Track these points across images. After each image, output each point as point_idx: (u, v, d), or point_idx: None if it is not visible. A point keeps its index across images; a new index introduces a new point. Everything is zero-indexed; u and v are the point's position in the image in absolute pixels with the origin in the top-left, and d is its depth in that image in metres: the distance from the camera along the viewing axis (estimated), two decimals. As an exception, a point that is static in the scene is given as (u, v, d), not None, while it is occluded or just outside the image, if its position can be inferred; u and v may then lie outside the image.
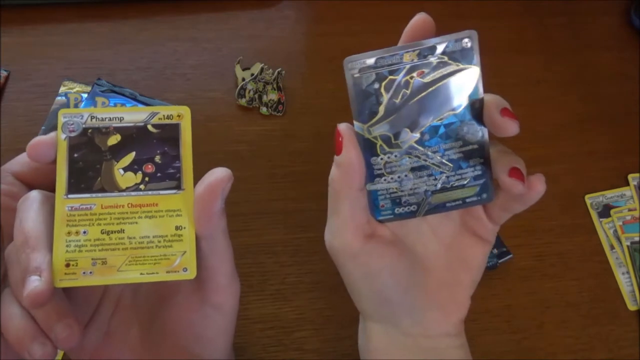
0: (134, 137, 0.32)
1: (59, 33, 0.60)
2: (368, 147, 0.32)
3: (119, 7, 0.62)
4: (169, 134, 0.32)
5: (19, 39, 0.59)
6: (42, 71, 0.57)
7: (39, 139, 0.31)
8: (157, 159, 0.32)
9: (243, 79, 0.59)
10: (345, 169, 0.32)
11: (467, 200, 0.33)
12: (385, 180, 0.33)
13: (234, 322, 0.35)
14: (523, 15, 0.67)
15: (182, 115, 0.32)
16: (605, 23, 0.68)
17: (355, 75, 0.30)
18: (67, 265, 0.30)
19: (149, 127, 0.32)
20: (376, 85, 0.31)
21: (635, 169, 0.59)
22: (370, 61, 0.30)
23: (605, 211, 0.56)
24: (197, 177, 0.32)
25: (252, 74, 0.59)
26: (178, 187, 0.32)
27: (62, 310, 0.29)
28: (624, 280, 0.54)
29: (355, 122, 0.32)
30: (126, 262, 0.30)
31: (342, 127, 0.32)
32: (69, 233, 0.30)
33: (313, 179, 0.55)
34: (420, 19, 0.32)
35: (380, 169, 0.32)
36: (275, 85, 0.59)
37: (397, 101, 0.31)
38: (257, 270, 0.51)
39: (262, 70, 0.59)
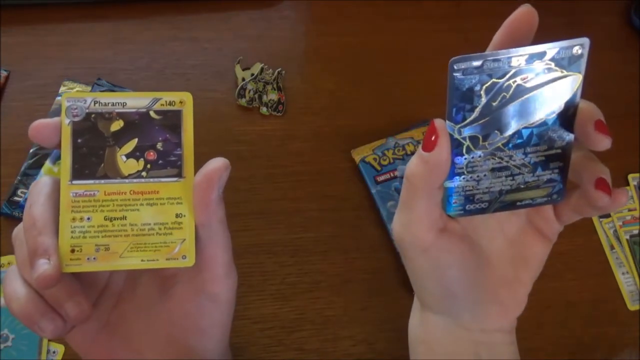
0: (136, 123, 0.32)
1: (59, 33, 0.60)
2: (454, 147, 0.31)
3: (119, 7, 0.62)
4: (171, 120, 0.32)
5: (19, 39, 0.59)
6: (42, 71, 0.57)
7: (43, 121, 0.31)
8: (159, 146, 0.32)
9: (243, 79, 0.59)
10: (433, 167, 0.31)
11: (538, 200, 0.34)
12: (464, 178, 0.32)
13: (230, 316, 0.36)
14: (523, 15, 0.67)
15: (184, 101, 0.33)
16: (605, 23, 0.68)
17: (459, 77, 0.29)
18: (72, 251, 0.31)
19: (151, 113, 0.32)
20: (477, 87, 0.30)
21: (635, 169, 0.59)
22: (477, 63, 0.29)
23: (605, 211, 0.56)
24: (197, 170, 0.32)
25: (252, 74, 0.59)
26: (179, 175, 0.32)
27: (71, 289, 0.30)
28: (624, 280, 0.54)
29: (447, 122, 0.31)
30: (128, 249, 0.31)
31: (439, 124, 0.31)
32: (73, 219, 0.31)
33: (313, 179, 0.55)
34: (524, 11, 0.31)
35: (461, 168, 0.32)
36: (275, 85, 0.59)
37: (495, 104, 0.30)
38: (257, 270, 0.51)
39: (262, 70, 0.59)
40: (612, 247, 0.55)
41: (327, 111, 0.59)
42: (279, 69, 0.59)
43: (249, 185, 0.54)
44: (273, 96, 0.58)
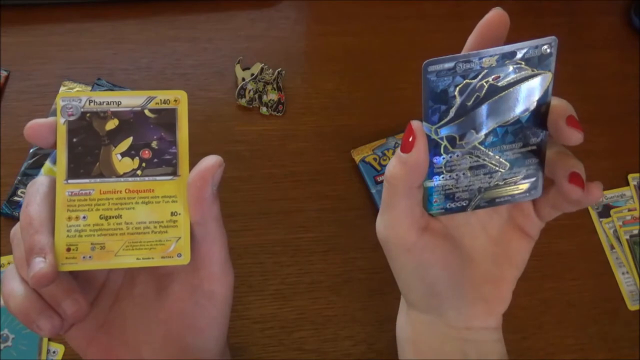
0: (131, 122, 0.32)
1: (59, 33, 0.60)
2: (432, 147, 0.32)
3: (119, 7, 0.62)
4: (166, 119, 0.32)
5: (19, 39, 0.59)
6: (42, 71, 0.57)
7: (38, 121, 0.31)
8: (154, 144, 0.32)
9: (243, 79, 0.59)
10: (411, 168, 0.32)
11: (516, 196, 0.34)
12: (443, 177, 0.33)
13: (227, 314, 0.36)
14: (523, 15, 0.67)
15: (178, 100, 0.33)
16: (605, 23, 0.68)
17: (433, 79, 0.30)
18: (68, 249, 0.31)
19: (146, 111, 0.32)
20: (451, 89, 0.31)
21: (635, 169, 0.59)
22: (449, 65, 0.30)
23: (605, 211, 0.56)
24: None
25: (252, 74, 0.59)
26: (174, 173, 0.32)
27: (68, 287, 0.30)
28: (624, 280, 0.54)
29: (424, 123, 0.32)
30: (123, 247, 0.31)
31: (416, 126, 0.31)
32: (69, 218, 0.31)
33: (313, 179, 0.55)
34: (495, 14, 0.31)
35: (440, 168, 0.33)
36: (275, 85, 0.59)
37: (469, 104, 0.31)
38: (257, 270, 0.51)
39: (262, 70, 0.59)
40: (612, 247, 0.55)
41: (327, 111, 0.59)
42: (279, 69, 0.59)
43: (249, 185, 0.54)
44: (273, 96, 0.58)
